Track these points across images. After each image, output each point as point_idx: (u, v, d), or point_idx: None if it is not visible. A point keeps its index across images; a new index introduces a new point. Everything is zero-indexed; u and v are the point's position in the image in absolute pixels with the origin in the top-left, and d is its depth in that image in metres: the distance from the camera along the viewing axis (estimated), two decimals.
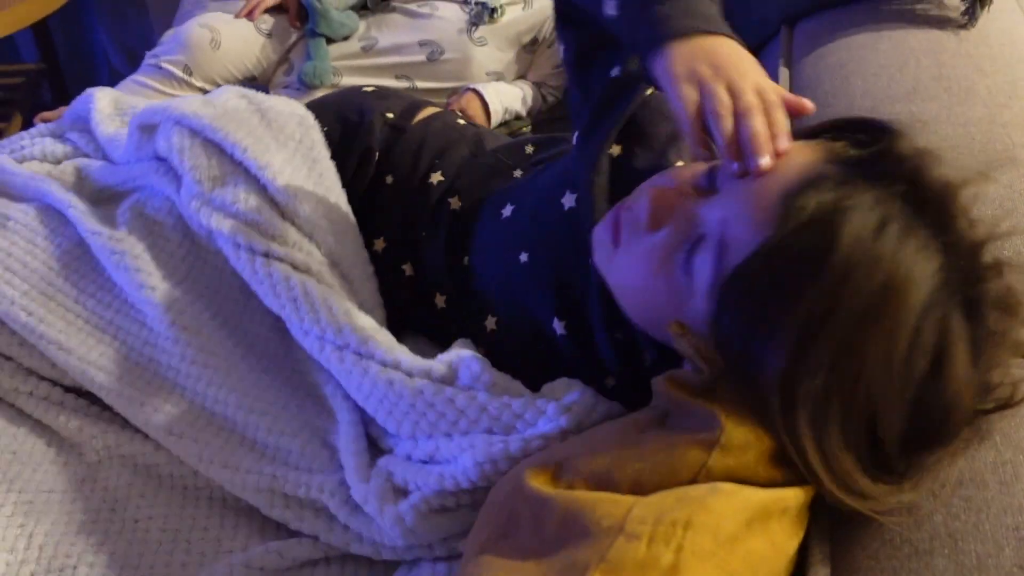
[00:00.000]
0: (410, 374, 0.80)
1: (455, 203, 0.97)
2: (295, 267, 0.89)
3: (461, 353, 0.82)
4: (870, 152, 0.60)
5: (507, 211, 0.91)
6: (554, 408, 0.73)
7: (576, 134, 0.87)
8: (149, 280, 0.90)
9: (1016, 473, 0.57)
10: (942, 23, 1.11)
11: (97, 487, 0.84)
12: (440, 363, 0.81)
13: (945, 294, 0.54)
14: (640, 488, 0.56)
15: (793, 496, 0.57)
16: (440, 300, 0.96)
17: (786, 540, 0.57)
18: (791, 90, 1.15)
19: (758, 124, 0.59)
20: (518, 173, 0.99)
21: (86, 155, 1.10)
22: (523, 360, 0.86)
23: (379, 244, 1.00)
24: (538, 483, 0.60)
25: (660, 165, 0.79)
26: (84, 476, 0.84)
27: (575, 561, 0.51)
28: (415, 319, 0.99)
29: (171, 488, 0.86)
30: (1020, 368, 0.60)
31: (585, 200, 0.82)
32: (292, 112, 1.03)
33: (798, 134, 0.65)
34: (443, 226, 0.96)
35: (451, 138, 1.06)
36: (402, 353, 0.82)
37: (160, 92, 1.48)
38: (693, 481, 0.56)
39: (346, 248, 0.95)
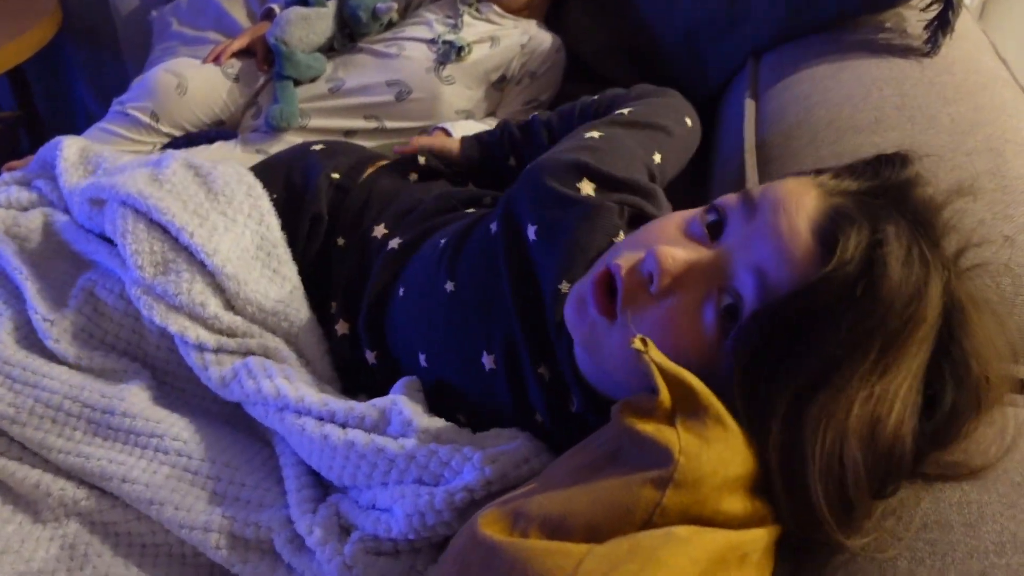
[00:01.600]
0: (344, 425, 0.80)
1: (395, 243, 0.96)
2: (250, 352, 0.90)
3: (395, 398, 0.81)
4: (871, 183, 0.65)
5: (442, 242, 0.91)
6: (480, 457, 0.72)
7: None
8: (85, 363, 0.90)
9: (981, 513, 0.55)
10: (905, 52, 1.12)
11: (53, 546, 0.81)
12: (373, 408, 0.80)
13: (946, 306, 0.60)
14: (594, 532, 0.54)
15: (753, 540, 0.55)
16: (371, 356, 0.94)
17: None
18: (757, 122, 1.14)
19: None
20: (470, 210, 0.99)
21: (51, 202, 1.09)
22: (458, 399, 0.85)
23: (334, 306, 0.98)
24: (492, 530, 0.58)
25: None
26: (40, 536, 0.82)
27: None
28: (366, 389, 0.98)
29: (129, 546, 0.84)
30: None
31: (504, 216, 0.86)
32: (240, 181, 1.02)
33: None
34: (379, 267, 0.95)
35: (397, 191, 1.06)
36: (336, 404, 0.82)
37: (127, 139, 1.46)
38: (648, 522, 0.54)
39: (300, 328, 0.95)
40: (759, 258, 0.61)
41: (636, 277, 0.65)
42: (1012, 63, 1.13)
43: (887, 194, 0.64)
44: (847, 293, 0.56)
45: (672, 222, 0.69)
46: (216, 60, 1.55)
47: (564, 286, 0.79)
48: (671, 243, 0.66)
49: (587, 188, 0.86)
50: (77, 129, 1.42)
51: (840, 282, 0.56)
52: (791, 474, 0.55)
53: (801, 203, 0.62)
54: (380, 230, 0.99)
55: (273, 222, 0.99)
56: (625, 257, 0.67)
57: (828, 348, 0.56)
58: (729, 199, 0.66)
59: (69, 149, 1.12)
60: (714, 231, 0.66)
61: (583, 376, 0.75)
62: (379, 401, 0.82)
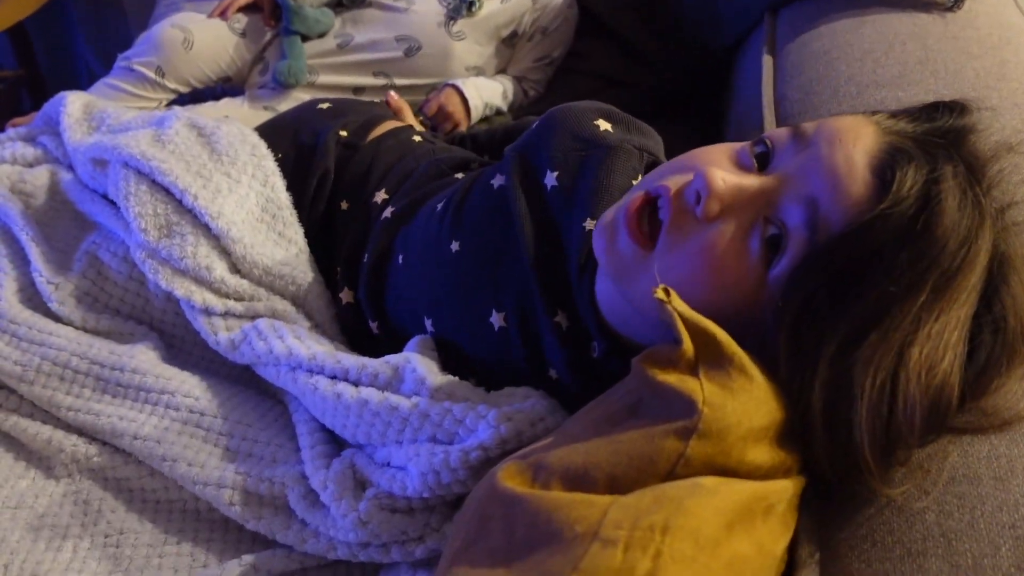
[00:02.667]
0: (357, 383, 0.79)
1: (388, 212, 0.95)
2: (257, 315, 0.89)
3: (409, 356, 0.80)
4: (927, 126, 0.64)
5: (439, 206, 0.89)
6: (494, 415, 0.71)
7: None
8: (91, 326, 0.90)
9: (1011, 467, 0.55)
10: (927, 6, 1.09)
11: (67, 502, 0.81)
12: (387, 365, 0.79)
13: (993, 256, 0.59)
14: (617, 484, 0.53)
15: (778, 492, 0.54)
16: (374, 326, 0.93)
17: (773, 542, 0.54)
18: (775, 78, 1.13)
19: None
20: (459, 175, 0.98)
21: (56, 159, 1.08)
22: (468, 362, 0.84)
23: (338, 272, 0.97)
24: (512, 483, 0.57)
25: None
26: (53, 491, 0.82)
27: (547, 570, 0.48)
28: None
29: (143, 502, 0.84)
30: None
31: (509, 169, 0.84)
32: (244, 141, 1.00)
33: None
34: (375, 235, 0.94)
35: (401, 155, 1.04)
36: (349, 361, 0.81)
37: (133, 94, 1.45)
38: (671, 473, 0.53)
39: (307, 291, 0.94)
40: (812, 190, 0.60)
41: (682, 201, 0.63)
42: None
43: (944, 138, 0.63)
44: (903, 230, 0.56)
45: (720, 149, 0.67)
46: (222, 15, 1.52)
47: (589, 223, 0.78)
48: (720, 167, 0.64)
49: (605, 125, 0.86)
50: (78, 87, 1.40)
51: (896, 218, 0.56)
52: (835, 415, 0.54)
53: (859, 138, 0.61)
54: (381, 196, 0.98)
55: (278, 183, 0.97)
56: (671, 179, 0.65)
57: (882, 286, 0.55)
58: (779, 132, 0.65)
59: (73, 105, 1.10)
60: (762, 163, 0.65)
61: (604, 318, 0.74)
62: (393, 358, 0.81)
